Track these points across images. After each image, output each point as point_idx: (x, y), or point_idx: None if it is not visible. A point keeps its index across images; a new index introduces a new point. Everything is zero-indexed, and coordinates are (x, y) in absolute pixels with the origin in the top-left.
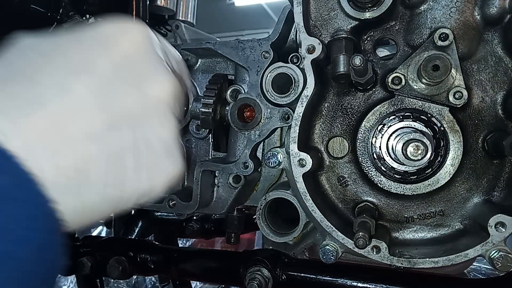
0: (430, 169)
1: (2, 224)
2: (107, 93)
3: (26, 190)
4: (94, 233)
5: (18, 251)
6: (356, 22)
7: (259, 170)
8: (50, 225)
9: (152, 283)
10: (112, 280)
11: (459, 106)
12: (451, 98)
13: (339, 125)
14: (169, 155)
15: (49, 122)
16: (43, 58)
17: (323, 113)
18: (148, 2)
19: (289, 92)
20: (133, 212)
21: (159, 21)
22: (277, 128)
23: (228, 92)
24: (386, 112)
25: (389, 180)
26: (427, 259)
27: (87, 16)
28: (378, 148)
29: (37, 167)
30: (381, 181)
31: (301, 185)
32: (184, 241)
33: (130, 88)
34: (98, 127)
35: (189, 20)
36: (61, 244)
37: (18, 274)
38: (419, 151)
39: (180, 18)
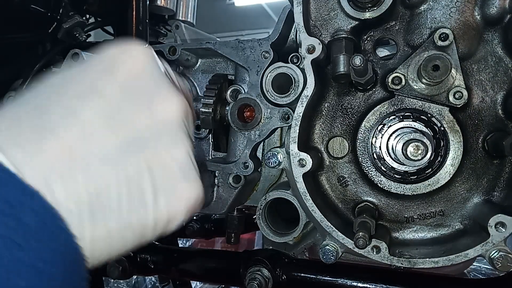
0: (430, 169)
1: (31, 263)
2: (116, 116)
3: (51, 228)
4: None
5: None
6: (356, 22)
7: (259, 170)
8: (73, 260)
9: (152, 283)
10: (112, 280)
11: (459, 106)
12: (451, 98)
13: (339, 125)
14: (187, 177)
15: (62, 150)
16: (50, 88)
17: (323, 113)
18: (148, 2)
19: (289, 92)
20: None
21: (159, 21)
22: (277, 128)
23: (228, 92)
24: (386, 112)
25: (389, 180)
26: (427, 259)
27: (87, 16)
28: (378, 148)
29: (55, 197)
30: (381, 181)
31: (301, 185)
32: (184, 241)
33: (139, 109)
34: (112, 150)
35: (189, 20)
36: (83, 279)
37: None
38: (419, 151)
39: (180, 18)
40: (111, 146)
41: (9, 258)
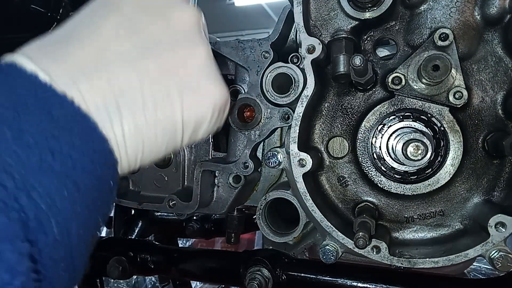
0: (430, 169)
1: (64, 150)
2: (134, 25)
3: (80, 123)
4: None
5: (85, 180)
6: (356, 22)
7: (259, 170)
8: (104, 155)
9: (152, 283)
10: (112, 280)
11: (459, 106)
12: (451, 98)
13: (339, 125)
14: (210, 78)
15: (85, 55)
16: (77, 12)
17: (323, 113)
18: None
19: (289, 92)
20: (133, 212)
21: None
22: (277, 128)
23: None
24: (386, 112)
25: (389, 180)
26: (427, 259)
27: None
28: (378, 148)
29: (82, 95)
30: (381, 181)
31: (301, 185)
32: (184, 241)
33: (155, 18)
34: (130, 53)
35: None
36: (115, 177)
37: (82, 199)
38: (419, 151)
39: None
40: (130, 51)
41: (44, 145)
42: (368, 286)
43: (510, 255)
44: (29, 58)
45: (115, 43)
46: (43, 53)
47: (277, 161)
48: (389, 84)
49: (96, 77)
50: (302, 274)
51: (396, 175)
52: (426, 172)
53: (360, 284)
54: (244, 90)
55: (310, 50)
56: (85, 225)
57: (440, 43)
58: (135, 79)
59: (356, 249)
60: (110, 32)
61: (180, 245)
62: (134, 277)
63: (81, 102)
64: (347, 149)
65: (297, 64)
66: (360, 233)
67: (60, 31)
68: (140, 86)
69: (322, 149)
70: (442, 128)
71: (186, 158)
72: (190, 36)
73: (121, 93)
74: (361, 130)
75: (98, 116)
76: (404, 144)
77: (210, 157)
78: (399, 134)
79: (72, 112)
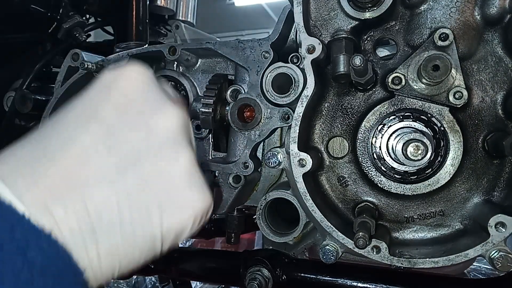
0: (430, 169)
1: None
2: (113, 137)
3: (62, 264)
4: None
5: None
6: (356, 22)
7: (259, 170)
8: None
9: (152, 283)
10: (112, 280)
11: (459, 106)
12: (451, 98)
13: (339, 125)
14: (191, 186)
15: (60, 175)
16: (52, 119)
17: (323, 113)
18: (148, 2)
19: (289, 92)
20: None
21: (159, 21)
22: (277, 128)
23: (228, 92)
24: (386, 112)
25: (389, 180)
26: (427, 259)
27: (87, 16)
28: (378, 148)
29: (55, 220)
30: (381, 181)
31: (301, 185)
32: (184, 241)
33: (135, 127)
34: (109, 169)
35: (189, 20)
36: None
37: None
38: (419, 151)
39: (180, 18)
40: (108, 166)
41: None
42: (368, 286)
43: (510, 255)
44: (8, 187)
45: (93, 160)
46: (16, 175)
47: (277, 161)
48: (389, 84)
49: (70, 201)
50: (302, 274)
51: (396, 175)
52: (426, 172)
53: (360, 284)
54: (244, 90)
55: (310, 50)
56: None
57: (440, 43)
58: (112, 198)
59: (356, 249)
60: (88, 147)
61: (180, 245)
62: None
63: (55, 229)
64: (347, 149)
65: (297, 64)
66: (360, 233)
67: (34, 142)
68: (117, 206)
69: (322, 149)
70: (442, 128)
71: None
72: (172, 143)
73: (97, 216)
74: (361, 130)
75: (72, 242)
76: (404, 144)
77: (210, 157)
78: (399, 134)
79: (48, 251)
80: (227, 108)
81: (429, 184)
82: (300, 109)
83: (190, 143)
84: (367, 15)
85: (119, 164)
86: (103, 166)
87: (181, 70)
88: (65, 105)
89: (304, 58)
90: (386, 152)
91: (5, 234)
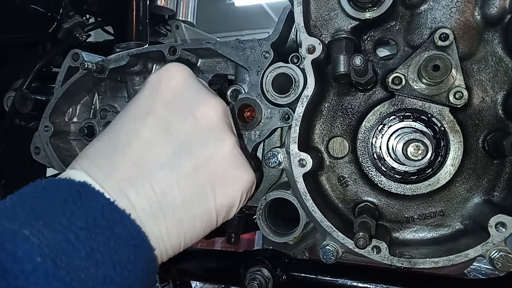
0: (430, 169)
1: (123, 264)
2: (168, 127)
3: (139, 239)
4: None
5: (137, 285)
6: (357, 22)
7: (259, 170)
8: (151, 265)
9: None
10: None
11: (460, 106)
12: (451, 98)
13: (339, 125)
14: (237, 166)
15: (130, 165)
16: (117, 118)
17: (323, 113)
18: (148, 2)
19: (289, 92)
20: None
21: (159, 21)
22: (277, 128)
23: (228, 92)
24: (387, 112)
25: (389, 180)
26: (428, 259)
27: (87, 16)
28: (379, 148)
29: (130, 202)
30: (381, 181)
31: (301, 185)
32: None
33: (185, 118)
34: (168, 156)
35: (189, 20)
36: (155, 275)
37: None
38: (420, 151)
39: (180, 18)
40: (166, 153)
41: (108, 261)
42: (368, 286)
43: (510, 255)
44: (91, 177)
45: (153, 149)
46: (96, 168)
47: (277, 161)
48: (389, 84)
49: (141, 185)
50: (302, 274)
51: (396, 175)
52: (427, 172)
53: (360, 284)
54: (244, 90)
55: (310, 50)
56: None
57: (440, 43)
58: (173, 180)
59: (357, 249)
60: (148, 137)
61: None
62: None
63: (131, 211)
64: (347, 149)
65: (297, 64)
66: (361, 233)
67: (105, 138)
68: (178, 186)
69: (322, 149)
70: (443, 128)
71: None
72: (217, 130)
73: (163, 195)
74: (361, 130)
75: (145, 219)
76: (404, 144)
77: None
78: (400, 134)
79: (129, 227)
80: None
81: (429, 184)
82: (300, 109)
83: (231, 128)
84: (367, 15)
85: (176, 151)
86: (163, 153)
87: None
88: (124, 105)
89: (304, 58)
90: (386, 152)
91: (97, 213)
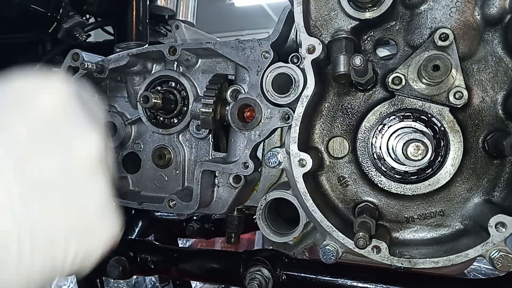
0: (430, 169)
1: None
2: (25, 160)
3: None
4: None
5: None
6: (356, 22)
7: (259, 170)
8: None
9: (152, 283)
10: (112, 280)
11: (459, 106)
12: (451, 98)
13: (339, 125)
14: (103, 218)
15: None
16: None
17: (323, 113)
18: (148, 2)
19: (289, 92)
20: (133, 212)
21: (159, 21)
22: (277, 128)
23: (228, 92)
24: (387, 112)
25: (389, 180)
26: (428, 259)
27: (87, 16)
28: (379, 148)
29: None
30: (381, 181)
31: (301, 185)
32: (184, 241)
33: (52, 151)
34: (16, 196)
35: (189, 20)
36: None
37: None
38: (420, 151)
39: (180, 18)
40: (15, 193)
41: None
42: (368, 286)
43: (510, 255)
44: None
45: (1, 182)
46: None
47: (277, 161)
48: (389, 84)
49: None
50: (302, 274)
51: (396, 175)
52: (426, 172)
53: (360, 284)
54: (244, 90)
55: (310, 50)
56: None
57: (440, 43)
58: (14, 227)
59: (357, 249)
60: None
61: (180, 245)
62: (134, 277)
63: None
64: (347, 149)
65: (297, 64)
66: (361, 233)
67: None
68: (17, 235)
69: (322, 149)
70: (442, 128)
71: (186, 158)
72: (90, 171)
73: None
74: (361, 130)
75: None
76: (404, 144)
77: (210, 157)
78: (399, 134)
79: None
80: (227, 108)
81: (429, 184)
82: (300, 109)
83: (107, 169)
84: (367, 15)
85: (29, 191)
86: (11, 192)
87: (181, 70)
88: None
89: (304, 58)
90: (386, 152)
91: None
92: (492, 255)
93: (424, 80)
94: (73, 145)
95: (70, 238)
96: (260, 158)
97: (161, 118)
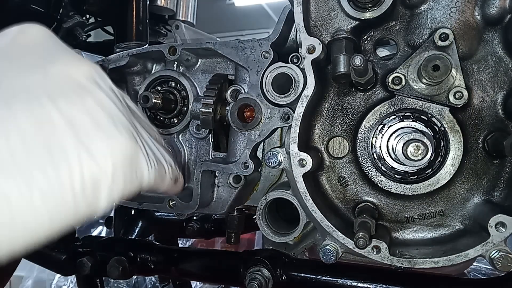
0: (430, 169)
1: None
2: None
3: None
4: (94, 233)
5: None
6: (356, 22)
7: (259, 170)
8: None
9: (152, 283)
10: (112, 280)
11: (459, 106)
12: (451, 98)
13: (339, 125)
14: (105, 132)
15: None
16: None
17: (323, 113)
18: (148, 2)
19: (289, 92)
20: (133, 212)
21: (159, 21)
22: (277, 128)
23: (228, 92)
24: (387, 112)
25: (389, 180)
26: (428, 259)
27: (87, 16)
28: (379, 148)
29: None
30: (381, 181)
31: (301, 185)
32: (184, 241)
33: (30, 69)
34: None
35: (189, 20)
36: None
37: None
38: (420, 151)
39: (180, 18)
40: None
41: None
42: (368, 286)
43: (510, 255)
44: None
45: None
46: None
47: (277, 161)
48: (389, 84)
49: None
50: (302, 274)
51: (396, 175)
52: (426, 172)
53: (360, 284)
54: (244, 90)
55: (310, 50)
56: None
57: (440, 43)
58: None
59: (357, 249)
60: None
61: (180, 245)
62: (134, 277)
63: None
64: (347, 149)
65: (297, 64)
66: (361, 233)
67: None
68: (7, 146)
69: (322, 149)
70: (442, 128)
71: (186, 158)
72: (77, 88)
73: None
74: (361, 130)
75: None
76: (404, 144)
77: (210, 157)
78: (399, 134)
79: None
80: (227, 108)
81: (429, 184)
82: (300, 109)
83: (108, 89)
84: (367, 15)
85: (7, 100)
86: None
87: (181, 70)
88: None
89: (304, 58)
90: (386, 152)
91: None
92: (492, 255)
93: (424, 80)
94: (57, 66)
95: (69, 153)
96: (260, 158)
97: (161, 118)
